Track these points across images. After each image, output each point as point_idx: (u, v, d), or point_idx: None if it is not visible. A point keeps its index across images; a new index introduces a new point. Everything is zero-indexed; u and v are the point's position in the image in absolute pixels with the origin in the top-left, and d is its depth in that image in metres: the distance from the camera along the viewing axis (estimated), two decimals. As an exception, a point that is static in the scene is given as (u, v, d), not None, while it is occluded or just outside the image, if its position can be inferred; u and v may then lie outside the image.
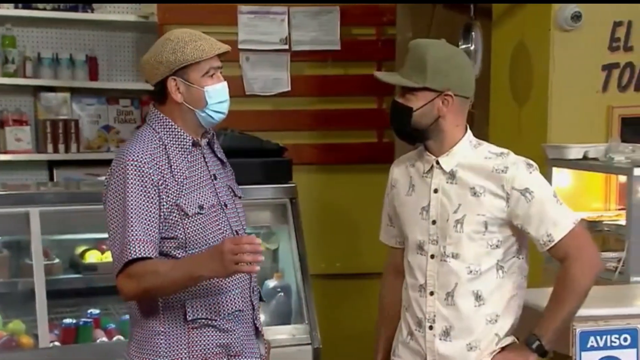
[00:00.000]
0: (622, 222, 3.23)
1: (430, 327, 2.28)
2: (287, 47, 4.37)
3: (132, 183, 2.17)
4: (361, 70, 4.46)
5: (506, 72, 3.78)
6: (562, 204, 2.25)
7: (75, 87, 4.55)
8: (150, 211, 2.17)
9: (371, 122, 4.55)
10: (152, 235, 2.16)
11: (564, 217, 2.22)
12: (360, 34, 4.54)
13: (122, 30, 4.63)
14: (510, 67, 3.75)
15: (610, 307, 2.57)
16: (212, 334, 2.25)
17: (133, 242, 2.14)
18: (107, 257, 3.27)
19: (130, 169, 2.18)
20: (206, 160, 2.32)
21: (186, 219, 2.21)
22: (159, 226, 2.18)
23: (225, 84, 2.29)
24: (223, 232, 2.28)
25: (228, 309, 2.26)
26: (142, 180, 2.17)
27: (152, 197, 2.18)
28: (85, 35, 4.57)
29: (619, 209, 3.47)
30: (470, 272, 2.24)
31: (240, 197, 2.41)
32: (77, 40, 4.56)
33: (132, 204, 2.16)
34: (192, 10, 4.27)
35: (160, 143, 2.24)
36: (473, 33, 3.83)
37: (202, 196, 2.25)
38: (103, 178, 3.48)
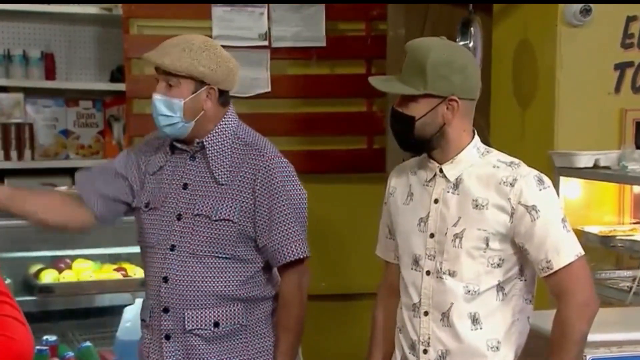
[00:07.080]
0: (638, 237, 3.24)
1: (425, 351, 2.28)
2: (266, 43, 4.37)
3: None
4: (349, 69, 4.47)
5: (508, 72, 3.77)
6: (569, 231, 2.25)
7: (30, 87, 4.54)
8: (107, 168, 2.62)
9: (360, 126, 4.56)
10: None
11: (569, 246, 2.22)
12: (348, 29, 4.55)
13: (82, 24, 4.63)
14: (513, 67, 3.75)
15: (624, 331, 2.54)
16: None
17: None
18: (65, 277, 3.26)
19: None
20: (186, 167, 2.55)
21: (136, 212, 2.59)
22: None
23: (153, 97, 2.48)
24: (157, 239, 2.54)
25: None
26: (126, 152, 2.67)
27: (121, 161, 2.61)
28: (40, 29, 4.58)
29: (634, 223, 3.48)
30: (468, 292, 2.24)
31: (215, 221, 2.49)
32: (31, 35, 4.56)
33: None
34: (161, 3, 4.25)
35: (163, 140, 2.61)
36: (472, 29, 3.84)
37: (151, 195, 2.55)
38: (63, 188, 3.53)
